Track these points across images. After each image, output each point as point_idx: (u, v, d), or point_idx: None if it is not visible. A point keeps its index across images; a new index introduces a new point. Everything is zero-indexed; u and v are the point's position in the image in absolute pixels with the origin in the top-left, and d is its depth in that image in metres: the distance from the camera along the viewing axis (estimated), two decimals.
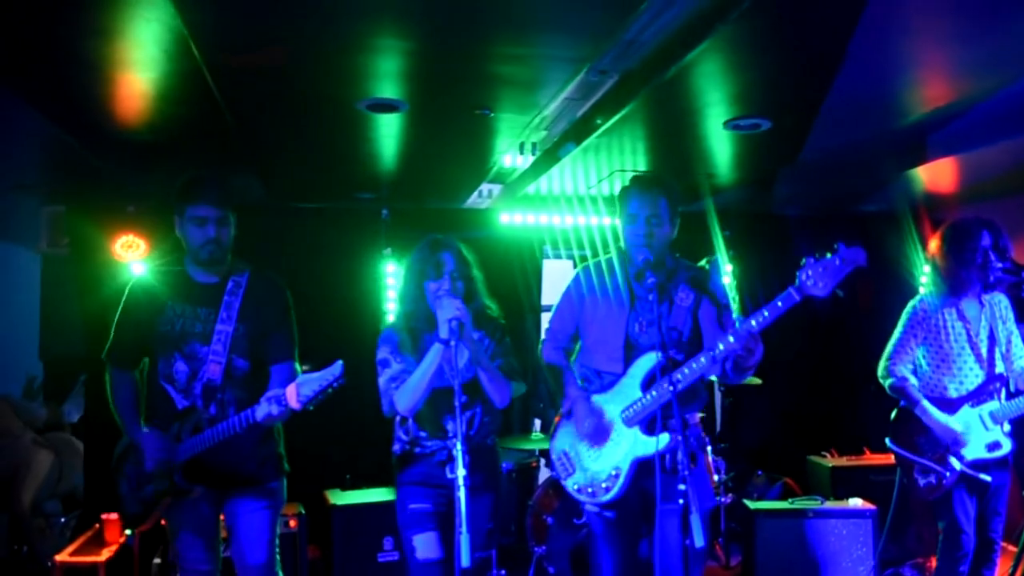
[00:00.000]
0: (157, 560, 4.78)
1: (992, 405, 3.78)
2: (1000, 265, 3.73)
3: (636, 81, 3.42)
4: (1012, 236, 3.83)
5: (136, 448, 3.14)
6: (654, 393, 3.06)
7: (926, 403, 3.80)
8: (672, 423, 2.88)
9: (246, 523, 3.20)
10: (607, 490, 3.14)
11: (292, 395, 2.92)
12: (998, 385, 3.80)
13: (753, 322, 2.90)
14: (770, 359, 3.20)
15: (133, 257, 5.08)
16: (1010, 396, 3.80)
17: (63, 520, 5.84)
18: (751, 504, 4.78)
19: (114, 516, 4.78)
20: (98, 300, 5.03)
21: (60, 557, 4.43)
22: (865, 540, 4.57)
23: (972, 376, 3.82)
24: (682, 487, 2.60)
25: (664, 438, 2.95)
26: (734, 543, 5.40)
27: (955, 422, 3.77)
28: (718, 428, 6.40)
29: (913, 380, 3.88)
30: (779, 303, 2.88)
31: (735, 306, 6.04)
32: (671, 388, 2.77)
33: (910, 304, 3.97)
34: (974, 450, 3.75)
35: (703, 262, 3.34)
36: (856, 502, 4.67)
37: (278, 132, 4.13)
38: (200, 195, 3.10)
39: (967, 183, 5.49)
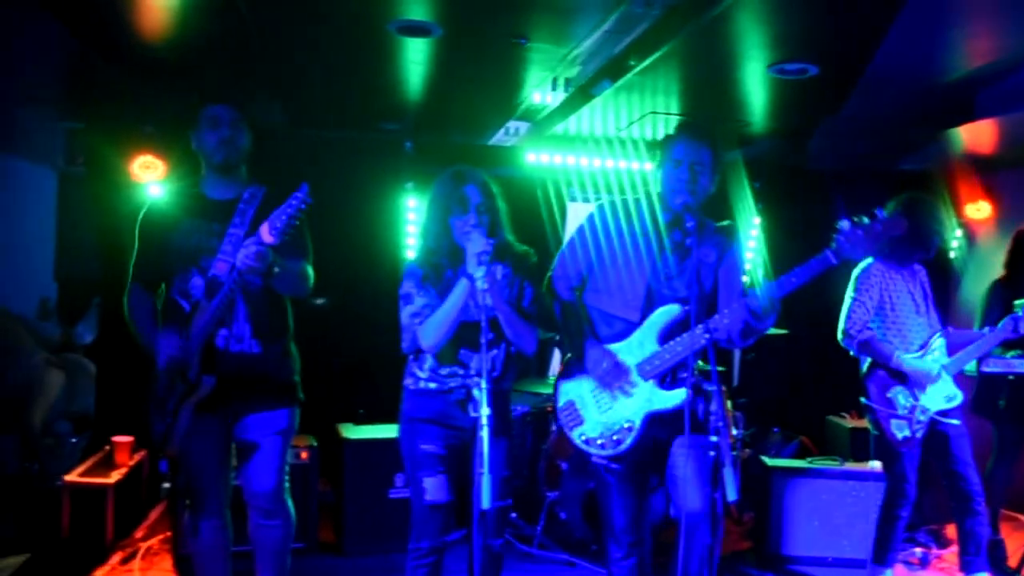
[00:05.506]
0: (166, 484, 4.77)
1: (942, 359, 3.96)
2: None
3: (680, 16, 3.27)
4: None
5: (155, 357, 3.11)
6: (678, 347, 2.98)
7: (900, 353, 3.89)
8: (689, 378, 2.84)
9: (255, 449, 3.16)
10: (617, 443, 3.05)
11: (264, 231, 2.89)
12: (942, 340, 4.01)
13: (785, 281, 2.82)
14: (793, 315, 3.12)
15: (150, 178, 4.98)
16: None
17: (73, 441, 5.85)
18: (768, 461, 4.72)
19: (125, 439, 4.77)
20: (114, 221, 4.96)
21: (69, 477, 4.43)
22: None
23: (918, 334, 3.97)
24: (714, 439, 2.51)
25: (682, 393, 2.89)
26: (747, 498, 5.36)
27: (926, 365, 3.89)
28: (735, 382, 6.32)
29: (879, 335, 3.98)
30: (814, 264, 2.82)
31: (762, 258, 5.95)
32: (707, 336, 2.68)
33: (860, 268, 4.01)
34: (936, 402, 3.90)
35: (724, 223, 3.23)
36: (875, 465, 4.58)
37: (304, 53, 4.02)
38: (215, 98, 3.16)
39: (1010, 145, 5.31)
